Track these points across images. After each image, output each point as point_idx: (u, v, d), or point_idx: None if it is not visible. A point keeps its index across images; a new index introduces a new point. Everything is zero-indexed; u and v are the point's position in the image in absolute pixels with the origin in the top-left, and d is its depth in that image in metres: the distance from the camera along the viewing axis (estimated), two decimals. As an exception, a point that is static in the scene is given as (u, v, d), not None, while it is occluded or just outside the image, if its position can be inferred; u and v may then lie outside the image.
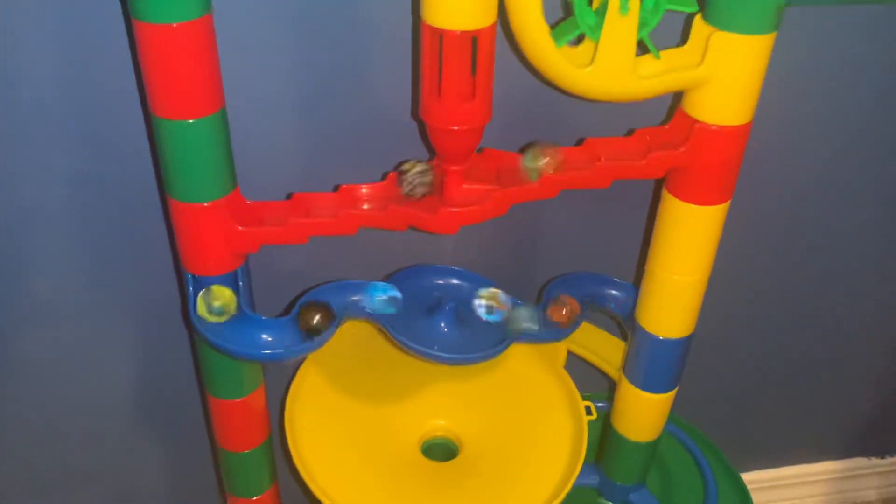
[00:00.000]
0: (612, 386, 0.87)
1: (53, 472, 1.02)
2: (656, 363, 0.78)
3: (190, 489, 1.08)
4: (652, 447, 0.86)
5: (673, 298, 0.73)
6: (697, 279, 0.72)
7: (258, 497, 0.87)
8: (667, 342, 0.76)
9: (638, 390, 0.80)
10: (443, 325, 0.75)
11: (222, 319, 0.69)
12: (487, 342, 0.74)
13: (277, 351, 0.68)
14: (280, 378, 0.92)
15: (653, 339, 0.76)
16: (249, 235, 0.67)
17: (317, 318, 0.70)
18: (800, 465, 1.32)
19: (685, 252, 0.70)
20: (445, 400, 0.89)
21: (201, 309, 0.68)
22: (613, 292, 0.84)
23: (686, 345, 0.77)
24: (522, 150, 0.68)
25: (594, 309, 0.84)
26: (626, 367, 0.81)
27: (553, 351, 0.90)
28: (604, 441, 0.90)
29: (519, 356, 0.92)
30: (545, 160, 0.66)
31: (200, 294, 0.68)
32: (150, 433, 1.00)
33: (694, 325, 0.76)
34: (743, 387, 1.17)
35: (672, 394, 0.81)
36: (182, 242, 0.68)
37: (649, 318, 0.76)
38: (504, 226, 0.89)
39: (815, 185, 0.95)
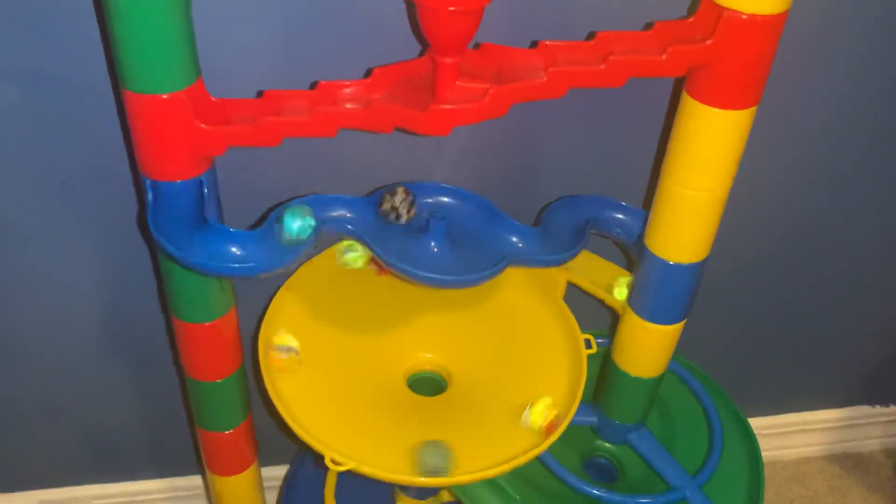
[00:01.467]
0: (614, 323, 0.81)
1: (17, 406, 0.96)
2: (665, 292, 0.71)
3: (159, 424, 1.02)
4: (655, 384, 0.80)
5: (687, 217, 0.66)
6: (716, 196, 0.65)
7: (230, 431, 0.80)
8: (678, 268, 0.69)
9: (644, 321, 0.74)
10: (433, 244, 0.68)
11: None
12: (482, 264, 0.68)
13: (248, 265, 0.61)
14: (254, 304, 0.85)
15: (662, 265, 0.69)
16: (214, 135, 0.59)
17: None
18: (801, 413, 1.27)
19: (704, 163, 0.62)
20: (433, 332, 0.83)
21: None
22: (620, 216, 0.77)
23: (698, 272, 0.70)
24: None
25: (598, 234, 0.77)
26: (631, 297, 0.74)
27: (551, 280, 0.83)
28: (603, 378, 0.84)
29: (514, 286, 0.86)
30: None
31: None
32: (115, 363, 0.94)
33: (708, 250, 0.69)
34: (747, 330, 1.12)
35: (680, 326, 0.74)
36: (139, 143, 0.60)
37: (660, 242, 0.69)
38: (501, 141, 0.81)
39: (851, 95, 0.86)
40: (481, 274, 0.66)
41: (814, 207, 0.97)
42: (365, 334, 0.81)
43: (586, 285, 0.81)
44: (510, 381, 0.78)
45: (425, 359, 0.83)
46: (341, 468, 0.67)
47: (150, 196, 0.61)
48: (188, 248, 0.61)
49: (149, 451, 1.06)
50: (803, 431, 1.28)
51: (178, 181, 0.61)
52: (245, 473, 0.85)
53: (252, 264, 0.61)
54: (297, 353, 0.74)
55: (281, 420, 0.70)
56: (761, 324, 1.11)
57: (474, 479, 0.68)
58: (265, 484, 0.93)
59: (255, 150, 0.76)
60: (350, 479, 0.99)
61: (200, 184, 0.62)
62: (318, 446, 0.69)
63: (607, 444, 0.92)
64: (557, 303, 0.83)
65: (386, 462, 0.69)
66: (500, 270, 0.67)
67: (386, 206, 0.69)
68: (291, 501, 0.98)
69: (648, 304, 0.72)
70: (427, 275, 0.64)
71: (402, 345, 0.82)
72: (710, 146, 0.61)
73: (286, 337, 0.74)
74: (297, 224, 0.64)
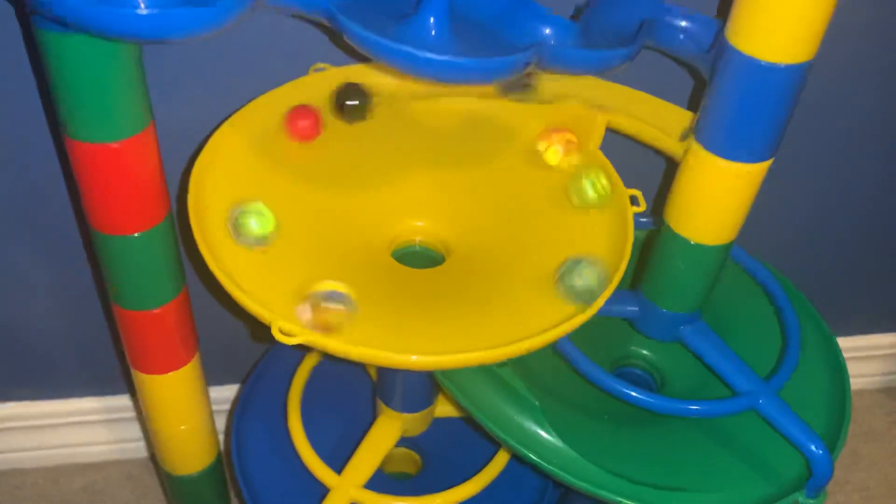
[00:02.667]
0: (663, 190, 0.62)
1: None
2: (754, 106, 0.51)
3: (83, 324, 0.82)
4: (722, 255, 0.60)
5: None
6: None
7: (158, 309, 0.60)
8: (774, 71, 0.49)
9: (717, 159, 0.54)
10: (431, 22, 0.47)
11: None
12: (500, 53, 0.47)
13: (159, 12, 0.40)
14: (184, 145, 0.65)
15: (752, 68, 0.49)
16: None
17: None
18: (854, 337, 1.09)
19: None
20: (425, 194, 0.64)
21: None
22: (684, 23, 0.57)
23: (803, 77, 0.50)
24: None
25: (653, 46, 0.57)
26: (699, 127, 0.54)
27: (584, 124, 0.64)
28: (649, 254, 0.64)
29: (533, 133, 0.66)
30: None
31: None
32: (20, 243, 0.74)
33: (817, 46, 0.49)
34: (797, 233, 0.93)
35: (765, 167, 0.54)
36: None
37: (749, 30, 0.49)
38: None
39: None
40: (498, 59, 0.45)
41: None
42: (334, 194, 0.62)
43: (632, 125, 0.61)
44: (531, 251, 0.59)
45: (415, 228, 0.64)
46: (292, 340, 0.48)
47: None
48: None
49: (77, 364, 0.87)
50: (857, 359, 1.10)
51: None
52: (182, 371, 0.66)
53: (157, 11, 0.40)
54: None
55: (225, 294, 0.51)
56: (816, 225, 0.93)
57: (507, 354, 0.50)
58: (213, 407, 0.75)
59: None
60: (319, 397, 0.80)
61: None
62: (263, 312, 0.49)
63: (644, 351, 0.74)
64: (592, 152, 0.63)
65: (355, 336, 0.49)
66: (525, 63, 0.47)
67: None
68: (246, 423, 0.79)
69: (726, 129, 0.52)
70: (419, 53, 0.44)
71: (384, 209, 0.62)
72: None
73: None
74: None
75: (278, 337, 0.48)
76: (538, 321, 0.53)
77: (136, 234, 0.56)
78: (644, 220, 0.72)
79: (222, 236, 0.54)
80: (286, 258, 0.55)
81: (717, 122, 0.53)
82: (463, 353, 0.49)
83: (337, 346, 0.49)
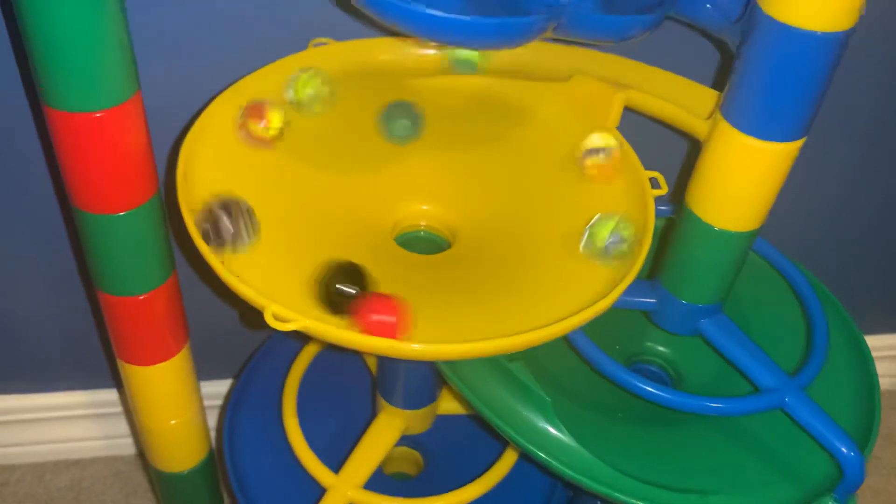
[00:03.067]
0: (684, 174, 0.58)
1: None
2: (785, 81, 0.47)
3: (71, 315, 0.79)
4: (746, 243, 0.56)
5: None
6: None
7: (146, 294, 0.57)
8: (810, 39, 0.45)
9: (745, 137, 0.50)
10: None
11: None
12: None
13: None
14: (174, 120, 0.61)
15: (785, 35, 0.45)
16: None
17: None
18: (871, 336, 1.04)
19: None
20: (432, 175, 0.61)
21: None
22: (710, -8, 0.53)
23: (841, 47, 0.46)
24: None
25: (677, 16, 0.54)
26: (726, 104, 0.51)
27: (600, 103, 0.60)
28: (669, 242, 0.60)
29: (547, 112, 0.62)
30: None
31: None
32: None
33: (858, 14, 0.45)
34: (824, 233, 0.90)
35: (797, 146, 0.51)
36: None
37: (784, -3, 0.45)
38: None
39: None
40: (513, 20, 0.41)
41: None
42: (334, 176, 0.58)
43: (654, 105, 0.58)
44: (541, 238, 0.56)
45: (420, 212, 0.60)
46: (287, 326, 0.45)
47: None
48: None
49: (62, 356, 0.83)
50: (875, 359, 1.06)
51: None
52: (170, 362, 0.62)
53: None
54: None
55: (219, 287, 0.47)
56: (837, 219, 0.89)
57: (516, 345, 0.47)
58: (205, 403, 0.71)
59: None
60: (316, 392, 0.77)
61: None
62: (256, 297, 0.46)
63: (660, 347, 0.70)
64: (610, 133, 0.60)
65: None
66: (542, 25, 0.43)
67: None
68: (239, 419, 0.76)
69: (756, 105, 0.49)
70: (428, 11, 0.40)
71: (387, 192, 0.59)
72: None
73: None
74: None
75: (272, 323, 0.44)
76: (549, 310, 0.49)
77: (120, 213, 0.52)
78: (664, 207, 0.68)
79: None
80: (282, 242, 0.52)
81: (747, 98, 0.49)
82: (470, 342, 0.46)
83: (335, 333, 0.45)
